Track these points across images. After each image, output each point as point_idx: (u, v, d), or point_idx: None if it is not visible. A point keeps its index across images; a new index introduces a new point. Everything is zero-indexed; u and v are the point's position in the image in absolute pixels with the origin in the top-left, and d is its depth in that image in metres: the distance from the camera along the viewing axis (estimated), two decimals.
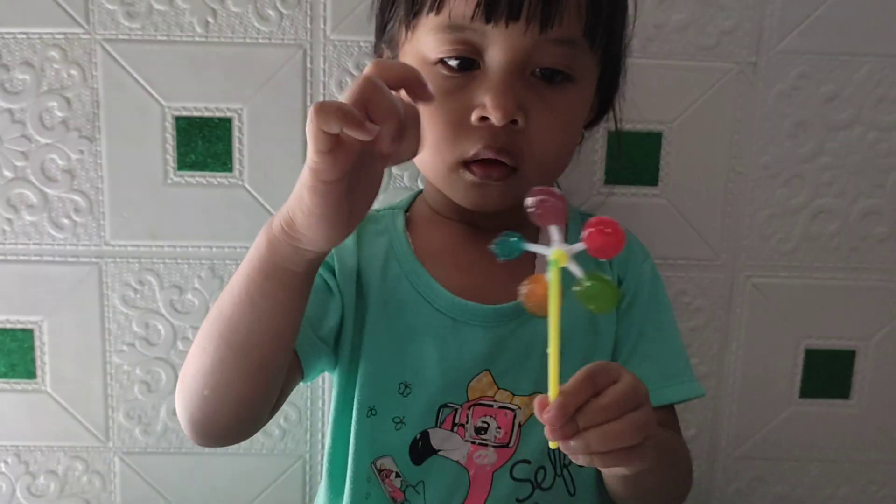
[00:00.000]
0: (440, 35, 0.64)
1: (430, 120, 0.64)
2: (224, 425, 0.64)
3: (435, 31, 0.64)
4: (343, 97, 0.50)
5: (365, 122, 0.49)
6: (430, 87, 0.54)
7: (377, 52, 0.74)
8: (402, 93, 0.53)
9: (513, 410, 0.69)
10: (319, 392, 0.90)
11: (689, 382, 0.72)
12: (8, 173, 0.84)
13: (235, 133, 0.85)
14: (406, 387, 0.69)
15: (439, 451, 0.69)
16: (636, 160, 0.87)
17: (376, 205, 0.59)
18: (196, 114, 0.84)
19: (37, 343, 0.88)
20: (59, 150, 0.84)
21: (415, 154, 0.54)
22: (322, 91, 0.84)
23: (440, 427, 0.69)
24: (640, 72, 0.84)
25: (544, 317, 0.52)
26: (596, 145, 0.87)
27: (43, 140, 0.84)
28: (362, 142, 0.49)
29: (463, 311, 0.69)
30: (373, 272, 0.70)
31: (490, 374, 0.69)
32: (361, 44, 0.82)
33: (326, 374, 0.74)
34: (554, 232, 0.51)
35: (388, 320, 0.69)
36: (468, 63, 0.65)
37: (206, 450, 0.89)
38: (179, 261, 0.86)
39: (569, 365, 0.69)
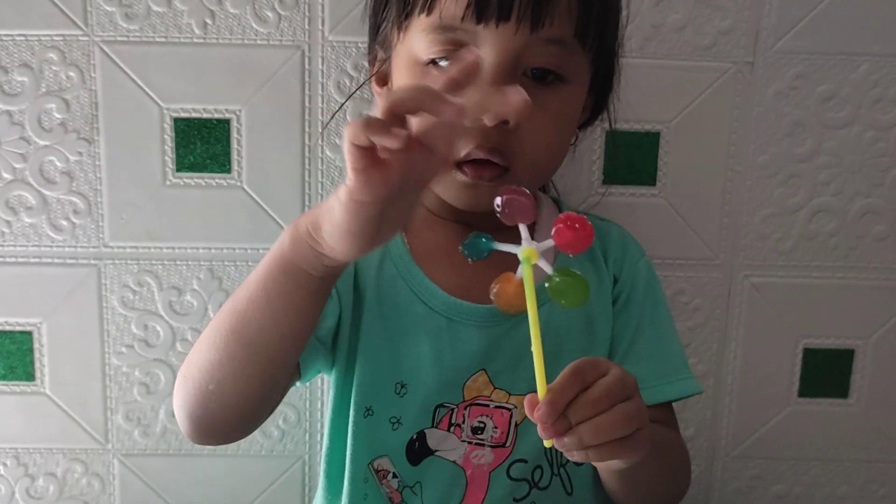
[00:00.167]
0: (431, 36, 0.64)
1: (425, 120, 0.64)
2: (224, 422, 0.63)
3: (426, 32, 0.65)
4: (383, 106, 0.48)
5: (391, 128, 0.47)
6: (403, 69, 0.53)
7: (371, 53, 0.74)
8: None
9: (509, 410, 0.69)
10: (318, 393, 0.90)
11: (687, 379, 0.72)
12: (7, 175, 0.84)
13: (234, 134, 0.85)
14: (402, 387, 0.69)
15: (436, 451, 0.69)
16: (634, 160, 0.87)
17: None
18: (195, 115, 0.84)
19: (36, 345, 0.88)
20: (57, 151, 0.84)
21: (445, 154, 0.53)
22: (320, 92, 0.84)
23: (437, 427, 0.69)
24: (638, 72, 0.84)
25: (516, 314, 0.52)
26: (594, 145, 0.87)
27: (42, 142, 0.84)
28: (403, 165, 0.48)
29: (458, 310, 0.69)
30: (368, 273, 0.70)
31: (486, 374, 0.69)
32: (360, 45, 0.83)
33: (322, 372, 0.74)
34: (523, 230, 0.51)
35: (383, 320, 0.69)
36: None
37: (206, 451, 0.90)
38: (178, 262, 0.86)
39: (564, 364, 0.69)
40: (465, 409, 0.69)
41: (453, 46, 0.64)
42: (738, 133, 0.86)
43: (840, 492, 0.95)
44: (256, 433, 0.71)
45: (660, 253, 0.86)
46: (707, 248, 0.89)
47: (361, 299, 0.70)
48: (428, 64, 0.65)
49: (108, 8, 0.82)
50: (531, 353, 0.68)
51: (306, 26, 0.83)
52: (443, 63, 0.65)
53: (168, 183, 0.85)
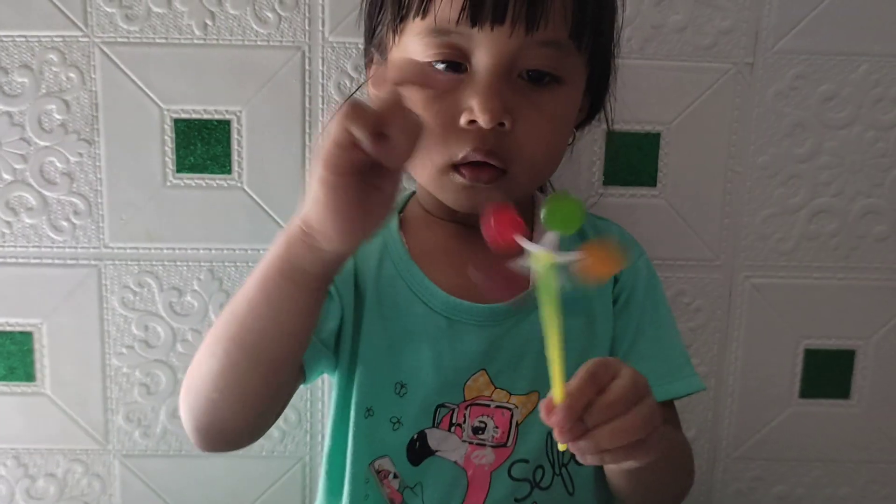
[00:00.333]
0: (426, 39, 0.64)
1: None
2: (230, 429, 0.64)
3: (421, 36, 0.64)
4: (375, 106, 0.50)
5: (376, 141, 0.49)
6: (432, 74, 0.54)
7: (367, 56, 0.74)
8: None
9: (510, 410, 0.69)
10: (319, 394, 0.90)
11: (690, 377, 0.72)
12: (7, 176, 0.84)
13: (234, 135, 0.85)
14: (402, 387, 0.69)
15: (437, 451, 0.69)
16: (634, 161, 0.87)
17: None
18: (195, 116, 0.84)
19: (36, 346, 0.88)
20: (57, 152, 0.84)
21: (406, 160, 0.54)
22: (321, 93, 0.84)
23: (437, 427, 0.69)
24: (638, 73, 0.84)
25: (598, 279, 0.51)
26: (594, 146, 0.87)
27: (42, 143, 0.84)
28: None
29: (458, 310, 0.69)
30: (368, 273, 0.70)
31: (486, 374, 0.69)
32: (360, 46, 0.82)
33: (326, 375, 0.74)
34: (552, 236, 0.51)
35: (383, 321, 0.69)
36: (455, 66, 0.64)
37: (206, 452, 0.89)
38: (178, 263, 0.86)
39: (565, 366, 0.69)
40: (466, 409, 0.69)
41: (448, 49, 0.64)
42: (738, 134, 0.86)
43: (841, 493, 0.95)
44: None
45: (660, 254, 0.86)
46: (708, 249, 0.88)
47: (362, 300, 0.70)
48: None
49: (108, 9, 0.82)
50: (531, 352, 0.69)
51: (306, 27, 0.83)
52: (438, 66, 0.65)
53: (168, 184, 0.85)
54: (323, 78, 0.84)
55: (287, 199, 0.86)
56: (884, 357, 0.91)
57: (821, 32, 0.84)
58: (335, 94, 0.84)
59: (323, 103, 0.84)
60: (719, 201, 0.88)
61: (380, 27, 0.70)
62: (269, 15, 0.83)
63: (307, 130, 0.85)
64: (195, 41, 0.83)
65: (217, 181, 0.85)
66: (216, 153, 0.85)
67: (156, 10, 0.82)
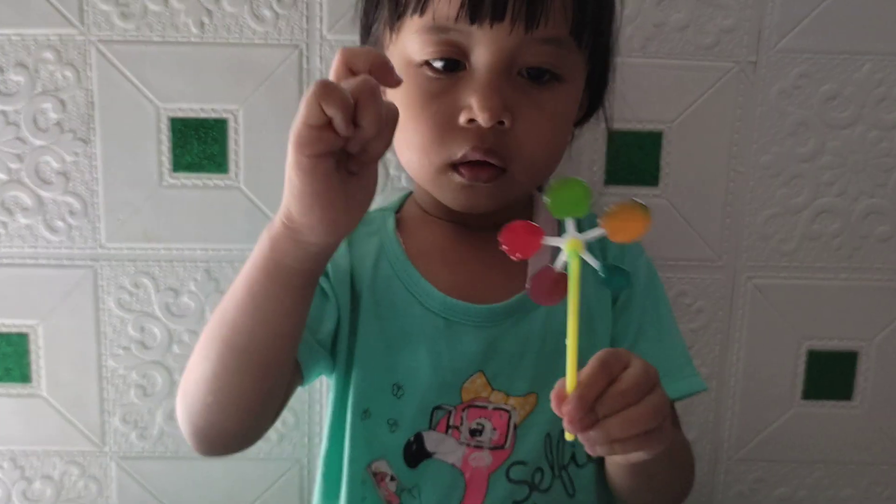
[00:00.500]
0: (425, 36, 0.64)
1: (416, 122, 0.64)
2: (228, 433, 0.63)
3: (419, 33, 0.64)
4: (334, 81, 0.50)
5: (351, 124, 0.49)
6: (410, 100, 0.54)
7: None
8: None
9: (508, 412, 0.68)
10: (317, 396, 0.89)
11: (691, 377, 0.72)
12: (2, 176, 0.84)
13: (231, 134, 0.84)
14: (399, 388, 0.68)
15: (434, 453, 0.69)
16: (636, 160, 0.86)
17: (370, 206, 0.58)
18: (191, 115, 0.83)
19: (32, 347, 0.87)
20: (53, 152, 0.84)
21: (382, 152, 0.54)
22: None
23: (434, 429, 0.68)
24: (640, 71, 0.84)
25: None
26: (596, 145, 0.86)
27: (37, 142, 0.83)
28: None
29: (455, 311, 0.68)
30: (364, 273, 0.70)
31: (484, 375, 0.68)
32: (358, 44, 0.82)
33: (324, 377, 0.73)
34: (569, 223, 0.50)
35: (380, 321, 0.69)
36: (454, 64, 0.64)
37: (205, 457, 0.89)
38: (175, 263, 0.86)
39: (562, 364, 0.69)
40: (463, 410, 0.68)
41: (447, 47, 0.63)
42: (740, 133, 0.86)
43: (844, 494, 0.94)
44: None
45: (662, 254, 0.86)
46: (709, 249, 0.88)
47: (358, 300, 0.69)
48: (421, 65, 0.65)
49: (104, 7, 0.81)
50: (529, 353, 0.68)
51: (304, 25, 0.82)
52: (436, 64, 0.64)
53: (165, 183, 0.84)
54: (321, 76, 0.83)
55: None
56: (886, 358, 0.91)
57: (824, 31, 0.84)
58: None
59: None
60: (721, 201, 0.87)
61: (376, 24, 0.69)
62: (267, 13, 0.82)
63: None
64: (192, 39, 0.82)
65: (214, 180, 0.85)
66: (213, 152, 0.84)
67: (152, 7, 0.81)
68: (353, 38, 0.81)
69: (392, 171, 0.85)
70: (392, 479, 0.69)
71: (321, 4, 0.82)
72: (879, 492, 0.94)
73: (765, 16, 0.84)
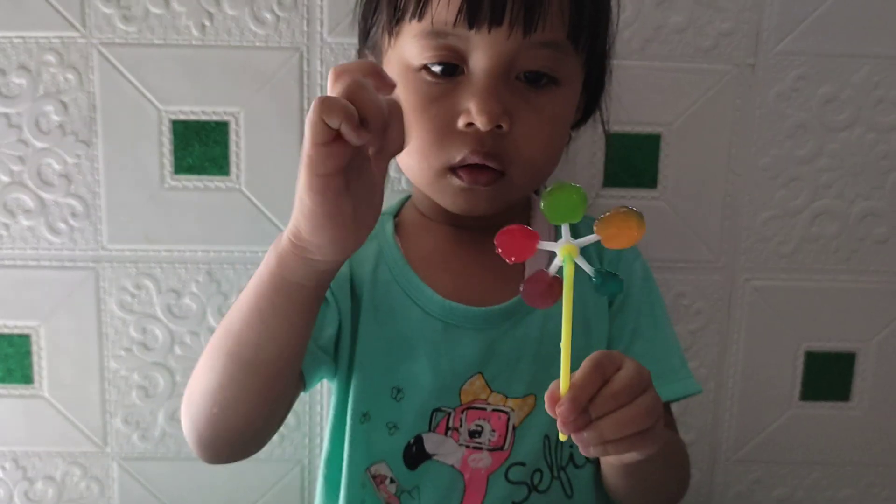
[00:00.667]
0: (423, 41, 0.64)
1: (416, 126, 0.64)
2: (233, 442, 0.64)
3: (418, 38, 0.64)
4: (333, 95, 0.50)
5: (361, 128, 0.49)
6: (408, 104, 0.54)
7: (361, 57, 0.74)
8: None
9: (506, 413, 0.69)
10: (318, 398, 0.89)
11: (686, 379, 0.72)
12: (4, 178, 0.84)
13: (232, 136, 0.84)
14: (398, 391, 0.69)
15: (433, 455, 0.69)
16: (635, 163, 0.87)
17: None
18: (193, 117, 0.84)
19: (34, 348, 0.87)
20: (55, 154, 0.84)
21: (401, 148, 0.54)
22: (319, 94, 0.84)
23: (434, 431, 0.69)
24: (639, 74, 0.84)
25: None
26: (594, 148, 0.86)
27: (39, 144, 0.84)
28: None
29: (454, 314, 0.68)
30: (364, 278, 0.70)
31: (482, 377, 0.68)
32: (357, 47, 0.82)
33: (325, 379, 0.74)
34: (564, 229, 0.51)
35: (379, 325, 0.69)
36: (452, 69, 0.64)
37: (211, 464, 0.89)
38: (176, 265, 0.86)
39: (559, 369, 0.69)
40: (462, 412, 0.69)
41: (445, 52, 0.64)
42: (739, 135, 0.86)
43: (842, 495, 0.94)
44: None
45: (660, 256, 0.86)
46: (708, 251, 0.88)
47: (358, 305, 0.70)
48: (420, 69, 0.65)
49: (105, 10, 0.82)
50: (527, 355, 0.68)
51: (305, 28, 0.83)
52: (435, 68, 0.64)
53: (166, 185, 0.85)
54: (321, 79, 0.84)
55: (285, 200, 0.84)
56: (884, 359, 0.91)
57: (822, 34, 0.84)
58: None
59: None
60: (720, 203, 0.87)
61: (374, 29, 0.70)
62: (268, 16, 0.82)
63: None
64: (193, 42, 0.82)
65: (215, 183, 0.85)
66: (214, 154, 0.85)
67: (154, 10, 0.82)
68: (354, 41, 0.82)
69: (392, 174, 0.85)
70: (392, 481, 0.69)
71: (322, 7, 0.82)
72: (877, 492, 0.94)
73: (763, 18, 0.84)
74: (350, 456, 0.69)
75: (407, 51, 0.65)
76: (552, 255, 0.51)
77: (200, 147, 0.84)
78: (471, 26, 0.62)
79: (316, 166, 0.50)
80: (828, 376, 0.91)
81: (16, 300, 0.86)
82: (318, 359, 0.68)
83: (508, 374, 0.69)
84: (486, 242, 0.73)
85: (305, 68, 0.83)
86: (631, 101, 0.84)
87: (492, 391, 0.69)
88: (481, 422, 0.69)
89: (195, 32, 0.82)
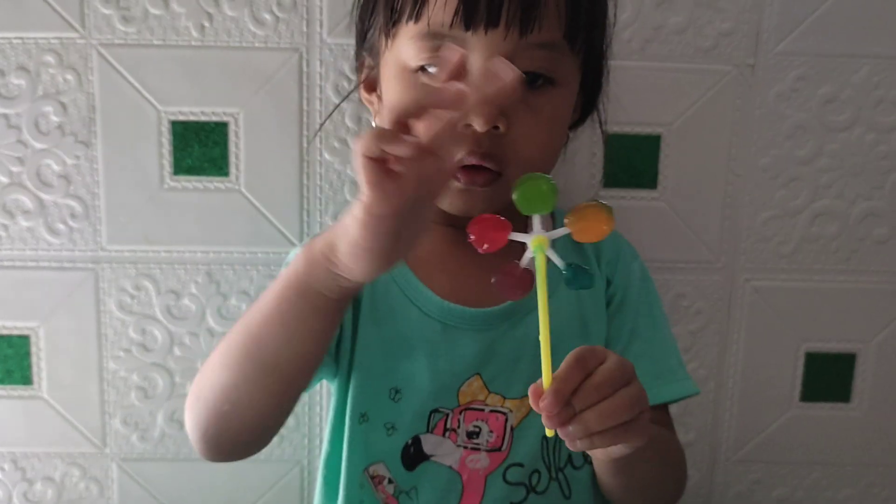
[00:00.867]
0: (420, 43, 0.64)
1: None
2: (238, 440, 0.64)
3: (415, 39, 0.64)
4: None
5: (401, 136, 0.48)
6: (392, 76, 0.53)
7: (358, 59, 0.74)
8: None
9: (504, 414, 0.69)
10: (317, 398, 0.89)
11: (684, 380, 0.72)
12: (3, 179, 0.84)
13: (232, 137, 0.84)
14: (397, 392, 0.69)
15: (431, 456, 0.69)
16: (635, 163, 0.86)
17: None
18: (192, 118, 0.84)
19: (33, 349, 0.87)
20: (54, 155, 0.84)
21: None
22: (318, 95, 0.84)
23: (432, 432, 0.69)
24: (639, 74, 0.84)
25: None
26: (594, 148, 0.86)
27: (39, 145, 0.84)
28: (416, 174, 0.48)
29: (452, 315, 0.68)
30: None
31: (481, 378, 0.68)
32: (354, 48, 0.82)
33: (325, 380, 0.74)
34: (535, 220, 0.51)
35: (377, 326, 0.69)
36: None
37: (211, 461, 0.89)
38: (176, 266, 0.86)
39: (558, 367, 0.69)
40: (460, 413, 0.69)
41: None
42: (739, 136, 0.86)
43: (842, 496, 0.94)
44: None
45: (660, 256, 0.86)
46: (708, 252, 0.88)
47: (358, 306, 0.70)
48: (417, 71, 0.65)
49: (105, 11, 0.81)
50: (526, 356, 0.69)
51: (304, 29, 0.83)
52: (431, 70, 0.64)
53: (165, 186, 0.85)
54: (321, 80, 0.83)
55: (285, 201, 0.85)
56: (884, 360, 0.91)
57: (822, 34, 0.84)
58: (333, 95, 0.84)
59: (321, 105, 0.84)
60: (720, 203, 0.87)
61: (371, 31, 0.70)
62: (267, 16, 0.82)
63: (305, 132, 0.84)
64: (192, 43, 0.82)
65: (214, 183, 0.85)
66: (213, 155, 0.84)
67: (153, 11, 0.82)
68: (353, 42, 0.82)
69: None
70: (390, 481, 0.69)
71: (321, 8, 0.82)
72: (877, 493, 0.94)
73: (763, 19, 0.84)
74: (348, 456, 0.69)
75: (404, 52, 0.65)
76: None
77: (200, 148, 0.84)
78: (467, 28, 0.62)
79: (371, 207, 0.49)
80: (828, 377, 0.91)
81: (15, 301, 0.86)
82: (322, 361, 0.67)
83: (507, 375, 0.69)
84: None
85: (305, 69, 0.83)
86: (631, 102, 0.84)
87: (490, 392, 0.69)
88: (479, 423, 0.69)
89: (194, 33, 0.82)
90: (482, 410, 0.69)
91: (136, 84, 0.83)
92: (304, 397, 0.89)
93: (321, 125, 0.84)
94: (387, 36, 0.67)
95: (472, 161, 0.64)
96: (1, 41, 0.82)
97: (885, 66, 0.85)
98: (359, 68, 0.75)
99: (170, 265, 0.86)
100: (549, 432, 0.53)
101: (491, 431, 0.69)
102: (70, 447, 0.90)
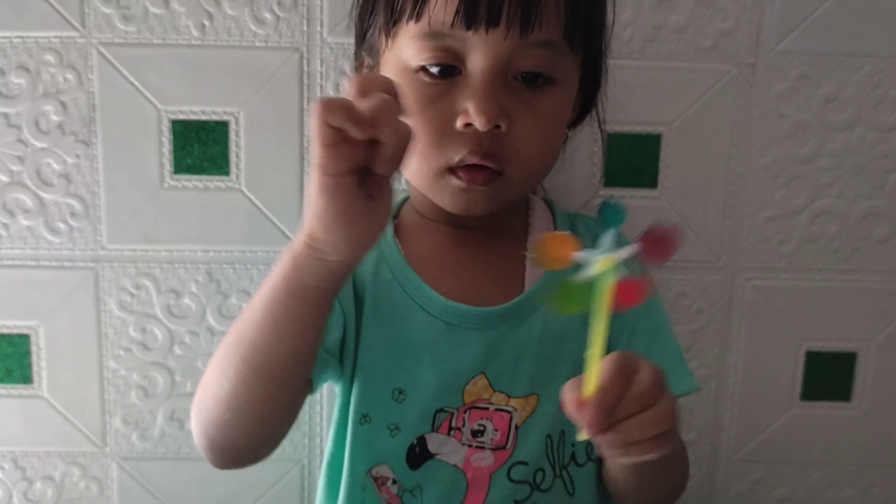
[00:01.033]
0: (421, 42, 0.64)
1: (414, 127, 0.63)
2: (245, 447, 0.64)
3: (415, 39, 0.64)
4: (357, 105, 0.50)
5: (365, 122, 0.49)
6: (406, 99, 0.54)
7: (357, 59, 0.74)
8: None
9: (509, 412, 0.69)
10: (318, 397, 0.89)
11: (685, 377, 0.72)
12: (4, 178, 0.84)
13: (232, 136, 0.84)
14: (400, 393, 0.69)
15: (436, 455, 0.69)
16: (635, 162, 0.86)
17: None
18: (192, 117, 0.84)
19: (33, 348, 0.87)
20: (55, 154, 0.84)
21: (395, 169, 0.54)
22: (319, 94, 0.84)
23: (436, 431, 0.69)
24: (639, 73, 0.84)
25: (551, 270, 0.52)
26: (595, 147, 0.86)
27: (39, 144, 0.84)
28: (366, 143, 0.50)
29: (456, 314, 0.68)
30: (365, 279, 0.70)
31: (485, 377, 0.68)
32: (353, 48, 0.82)
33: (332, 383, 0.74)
34: (606, 238, 0.51)
35: (380, 326, 0.69)
36: (450, 70, 0.64)
37: (221, 469, 0.89)
38: (176, 265, 0.86)
39: (562, 365, 0.69)
40: (465, 412, 0.69)
41: (443, 53, 0.64)
42: (739, 135, 0.86)
43: (843, 495, 0.94)
44: None
45: None
46: (708, 251, 0.88)
47: (361, 307, 0.70)
48: (418, 71, 0.65)
49: (105, 10, 0.81)
50: (529, 355, 0.69)
51: (305, 28, 0.83)
52: (433, 69, 0.64)
53: (166, 185, 0.85)
54: (321, 79, 0.83)
55: (285, 200, 0.85)
56: (885, 359, 0.91)
57: (823, 33, 0.84)
58: (334, 94, 0.84)
59: None
60: (720, 203, 0.87)
61: (371, 30, 0.70)
62: (267, 16, 0.82)
63: (305, 132, 0.84)
64: (193, 42, 0.82)
65: (215, 182, 0.85)
66: (214, 154, 0.84)
67: (153, 10, 0.82)
68: (353, 41, 0.82)
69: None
70: (394, 482, 0.69)
71: (321, 7, 0.82)
72: (878, 493, 0.94)
73: (764, 18, 0.84)
74: (351, 458, 0.69)
75: (404, 52, 0.65)
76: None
77: (200, 147, 0.84)
78: (468, 27, 0.62)
79: (326, 167, 0.50)
80: (828, 376, 0.91)
81: (15, 300, 0.86)
82: (325, 362, 0.67)
83: (511, 373, 0.69)
84: (485, 242, 0.73)
85: (305, 68, 0.83)
86: (631, 101, 0.84)
87: (494, 391, 0.69)
88: (484, 421, 0.69)
89: (195, 32, 0.82)
90: (487, 409, 0.69)
91: (137, 83, 0.83)
92: None
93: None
94: (387, 36, 0.67)
95: (474, 160, 0.64)
96: (1, 40, 0.82)
97: (886, 66, 0.85)
98: (357, 68, 0.75)
99: (170, 264, 0.86)
100: (581, 436, 0.53)
101: (495, 430, 0.69)
102: (70, 446, 0.89)
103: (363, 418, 0.69)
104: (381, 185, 0.53)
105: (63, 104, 0.83)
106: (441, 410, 0.68)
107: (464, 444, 0.69)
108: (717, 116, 0.85)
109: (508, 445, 0.69)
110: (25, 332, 0.87)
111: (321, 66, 0.83)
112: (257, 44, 0.83)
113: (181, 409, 0.88)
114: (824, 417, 0.92)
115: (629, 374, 0.53)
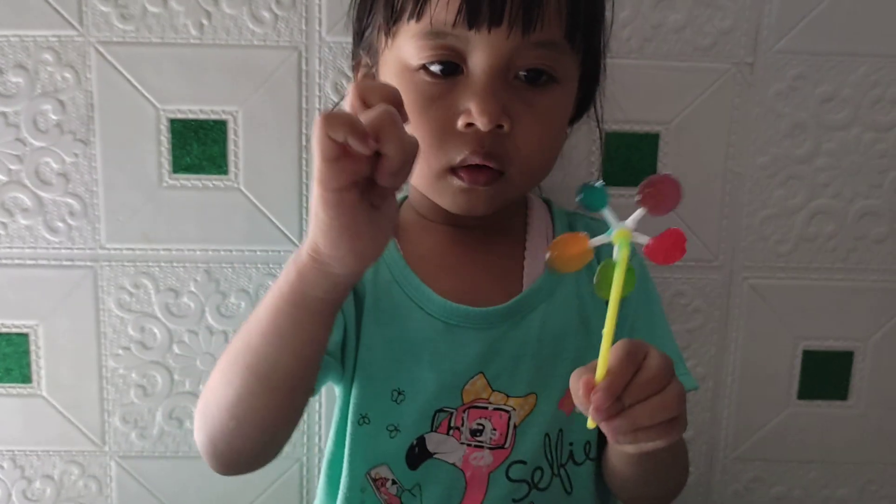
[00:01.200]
0: (422, 42, 0.64)
1: (415, 127, 0.63)
2: (248, 454, 0.64)
3: (416, 38, 0.64)
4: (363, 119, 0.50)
5: (369, 136, 0.48)
6: (407, 101, 0.53)
7: (355, 59, 0.74)
8: None
9: (507, 412, 0.69)
10: (317, 396, 0.89)
11: (683, 376, 0.72)
12: (2, 177, 0.84)
13: (231, 135, 0.84)
14: (399, 393, 0.69)
15: (435, 454, 0.69)
16: (633, 161, 0.87)
17: None
18: (191, 116, 0.84)
19: (32, 347, 0.87)
20: (53, 153, 0.84)
21: (403, 183, 0.53)
22: (318, 93, 0.84)
23: (436, 431, 0.69)
24: (637, 72, 0.84)
25: (562, 272, 0.52)
26: (593, 146, 0.86)
27: (37, 143, 0.84)
28: (370, 158, 0.49)
29: (455, 314, 0.68)
30: (365, 281, 0.70)
31: (484, 377, 0.69)
32: (351, 48, 0.82)
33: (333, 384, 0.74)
34: (608, 213, 0.52)
35: (380, 327, 0.69)
36: (451, 69, 0.64)
37: (225, 476, 0.89)
38: (175, 264, 0.86)
39: (561, 364, 0.69)
40: (464, 412, 0.69)
41: (444, 52, 0.64)
42: (737, 134, 0.86)
43: (840, 494, 0.95)
44: None
45: None
46: (706, 250, 0.88)
47: (361, 307, 0.70)
48: (419, 70, 0.65)
49: (103, 8, 0.81)
50: (528, 354, 0.69)
51: (303, 27, 0.83)
52: (434, 68, 0.64)
53: (164, 184, 0.85)
54: (320, 78, 0.83)
55: (284, 199, 0.85)
56: (882, 358, 0.91)
57: (821, 33, 0.84)
58: (332, 94, 0.84)
59: (320, 103, 0.84)
60: (718, 202, 0.87)
61: (369, 29, 0.69)
62: (266, 14, 0.82)
63: (304, 131, 0.84)
64: (191, 41, 0.82)
65: (213, 182, 0.85)
66: (212, 154, 0.84)
67: (151, 9, 0.82)
68: (351, 41, 0.82)
69: None
70: (393, 482, 0.69)
71: (320, 6, 0.82)
72: (875, 490, 0.95)
73: (762, 17, 0.84)
74: (350, 459, 0.69)
75: (405, 51, 0.65)
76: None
77: (199, 146, 0.84)
78: (470, 26, 0.62)
79: (328, 182, 0.49)
80: (825, 375, 0.92)
81: (14, 299, 0.86)
82: (327, 364, 0.67)
83: (510, 373, 0.69)
84: (484, 241, 0.73)
85: (304, 67, 0.83)
86: (629, 100, 0.84)
87: (493, 390, 0.69)
88: (483, 421, 0.69)
89: (193, 31, 0.82)
90: (486, 408, 0.69)
91: (135, 82, 0.83)
92: None
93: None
94: (386, 35, 0.67)
95: (476, 160, 0.64)
96: None
97: (884, 65, 0.85)
98: (355, 67, 0.75)
99: (169, 263, 0.86)
100: (590, 424, 0.53)
101: (494, 429, 0.69)
102: (69, 445, 0.90)
103: (362, 419, 0.69)
104: (384, 195, 0.53)
105: (61, 103, 0.83)
106: (440, 410, 0.69)
107: (462, 444, 0.69)
108: (715, 116, 0.86)
109: (507, 444, 0.69)
110: (24, 331, 0.87)
111: (320, 65, 0.83)
112: (256, 43, 0.83)
113: (180, 407, 0.88)
114: (821, 416, 0.92)
115: (637, 360, 0.53)
